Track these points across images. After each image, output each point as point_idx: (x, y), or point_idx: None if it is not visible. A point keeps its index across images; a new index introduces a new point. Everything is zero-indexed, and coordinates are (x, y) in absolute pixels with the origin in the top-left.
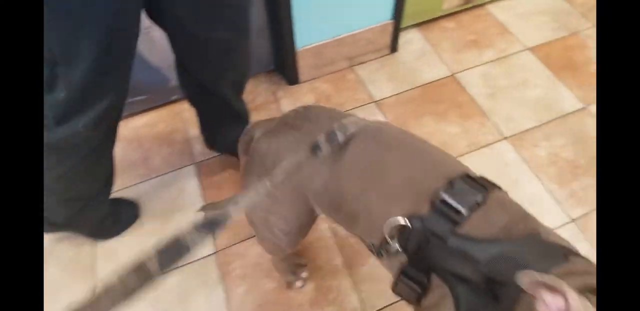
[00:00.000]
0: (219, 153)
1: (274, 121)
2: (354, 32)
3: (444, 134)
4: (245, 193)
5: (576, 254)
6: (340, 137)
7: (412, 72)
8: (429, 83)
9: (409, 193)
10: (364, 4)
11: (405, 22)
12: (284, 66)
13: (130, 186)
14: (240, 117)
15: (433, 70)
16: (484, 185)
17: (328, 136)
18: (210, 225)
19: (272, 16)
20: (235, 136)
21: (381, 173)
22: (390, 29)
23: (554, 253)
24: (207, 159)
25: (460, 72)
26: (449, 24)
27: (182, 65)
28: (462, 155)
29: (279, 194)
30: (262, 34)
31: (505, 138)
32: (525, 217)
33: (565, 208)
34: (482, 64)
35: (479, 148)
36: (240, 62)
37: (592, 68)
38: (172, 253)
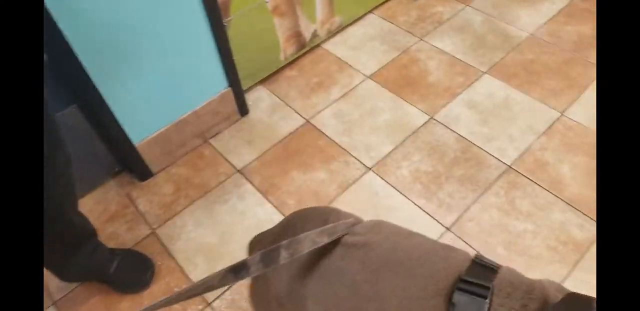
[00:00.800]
0: (78, 284)
1: (271, 234)
2: (194, 110)
3: (313, 184)
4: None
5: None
6: (285, 255)
7: (269, 130)
8: (287, 136)
9: None
10: (192, 82)
11: (248, 82)
12: (129, 164)
13: None
14: (82, 234)
15: (288, 122)
16: (482, 284)
17: (263, 256)
18: None
19: (92, 120)
20: (87, 257)
21: (377, 300)
22: (230, 95)
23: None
24: (67, 294)
25: (314, 116)
26: (291, 72)
27: None
28: (333, 199)
29: None
30: (92, 139)
31: (370, 168)
32: (533, 285)
33: (439, 219)
34: (332, 103)
35: (347, 188)
36: (58, 173)
37: (428, 79)
38: None
